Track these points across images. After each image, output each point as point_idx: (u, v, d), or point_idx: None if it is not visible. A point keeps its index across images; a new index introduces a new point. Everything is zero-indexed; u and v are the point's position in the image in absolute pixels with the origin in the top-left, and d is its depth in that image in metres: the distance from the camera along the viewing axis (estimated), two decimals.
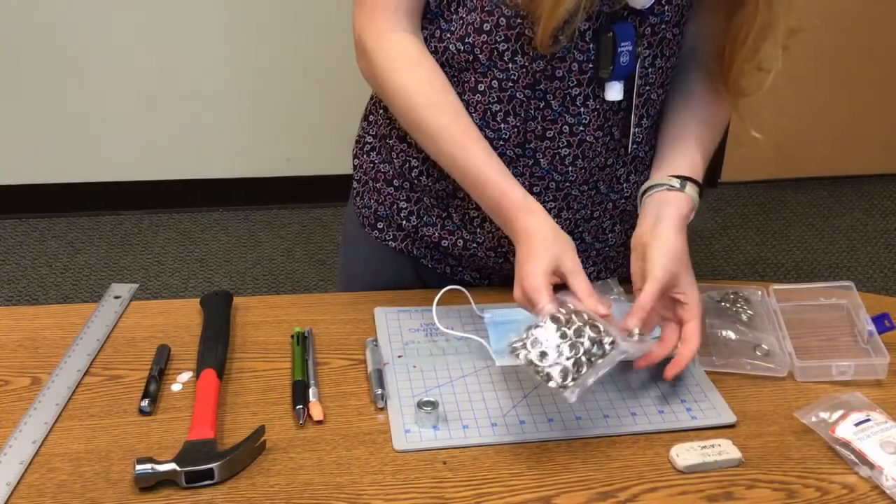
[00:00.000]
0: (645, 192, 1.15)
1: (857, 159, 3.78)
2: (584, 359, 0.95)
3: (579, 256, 1.14)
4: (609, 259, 1.29)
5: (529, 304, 1.02)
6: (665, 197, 1.12)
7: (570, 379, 0.94)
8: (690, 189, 1.13)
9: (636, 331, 1.03)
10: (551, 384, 0.94)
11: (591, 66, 1.11)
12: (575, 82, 1.12)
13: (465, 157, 1.09)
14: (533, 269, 1.02)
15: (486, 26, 1.09)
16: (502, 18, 1.08)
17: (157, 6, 3.12)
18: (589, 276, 1.27)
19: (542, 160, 1.16)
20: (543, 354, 0.95)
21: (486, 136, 1.12)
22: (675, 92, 1.22)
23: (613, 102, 1.14)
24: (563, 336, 0.96)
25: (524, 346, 0.97)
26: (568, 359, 0.95)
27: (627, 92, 1.14)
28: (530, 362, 0.96)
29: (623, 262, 1.30)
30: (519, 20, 1.07)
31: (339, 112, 3.10)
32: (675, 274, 1.06)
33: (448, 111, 1.11)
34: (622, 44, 1.08)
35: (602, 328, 0.97)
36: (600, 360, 0.96)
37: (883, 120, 3.74)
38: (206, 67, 3.24)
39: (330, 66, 3.25)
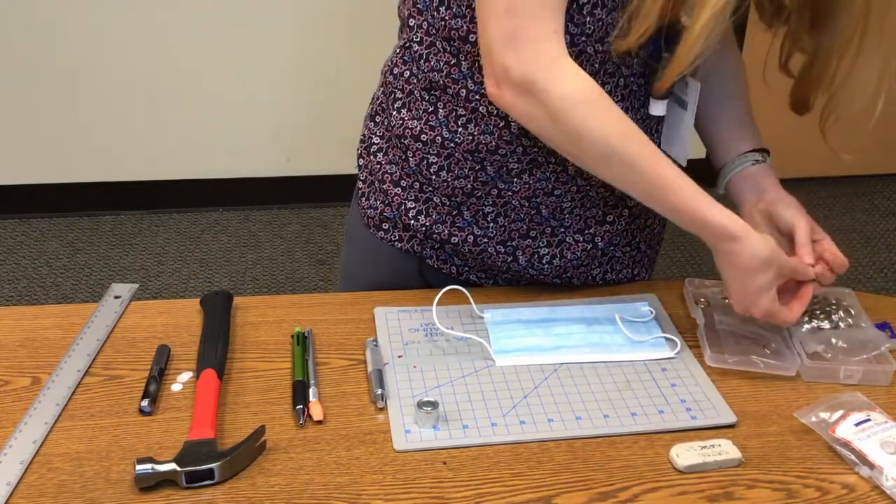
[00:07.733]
0: (727, 172, 1.24)
1: (857, 159, 3.77)
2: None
3: (593, 262, 1.22)
4: (615, 260, 1.29)
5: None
6: (755, 171, 1.23)
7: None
8: (769, 159, 1.24)
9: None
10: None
11: (632, 79, 1.13)
12: (619, 97, 1.14)
13: (662, 184, 1.06)
14: (759, 301, 1.09)
15: None
16: (566, 35, 1.06)
17: (157, 6, 3.12)
18: (594, 278, 1.28)
19: (569, 166, 1.18)
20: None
21: (505, 148, 1.15)
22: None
23: (646, 113, 1.17)
24: None
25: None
26: None
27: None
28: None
29: (628, 262, 1.30)
30: (583, 38, 1.07)
31: (340, 112, 3.11)
32: (810, 221, 1.18)
33: (637, 138, 1.07)
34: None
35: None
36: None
37: (882, 120, 3.72)
38: (206, 67, 3.24)
39: (330, 65, 3.26)
